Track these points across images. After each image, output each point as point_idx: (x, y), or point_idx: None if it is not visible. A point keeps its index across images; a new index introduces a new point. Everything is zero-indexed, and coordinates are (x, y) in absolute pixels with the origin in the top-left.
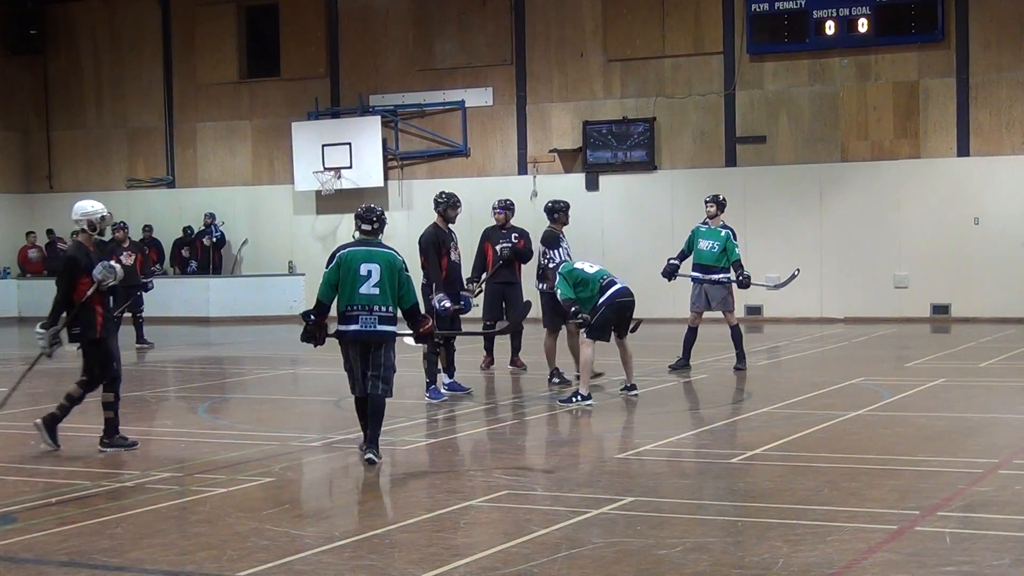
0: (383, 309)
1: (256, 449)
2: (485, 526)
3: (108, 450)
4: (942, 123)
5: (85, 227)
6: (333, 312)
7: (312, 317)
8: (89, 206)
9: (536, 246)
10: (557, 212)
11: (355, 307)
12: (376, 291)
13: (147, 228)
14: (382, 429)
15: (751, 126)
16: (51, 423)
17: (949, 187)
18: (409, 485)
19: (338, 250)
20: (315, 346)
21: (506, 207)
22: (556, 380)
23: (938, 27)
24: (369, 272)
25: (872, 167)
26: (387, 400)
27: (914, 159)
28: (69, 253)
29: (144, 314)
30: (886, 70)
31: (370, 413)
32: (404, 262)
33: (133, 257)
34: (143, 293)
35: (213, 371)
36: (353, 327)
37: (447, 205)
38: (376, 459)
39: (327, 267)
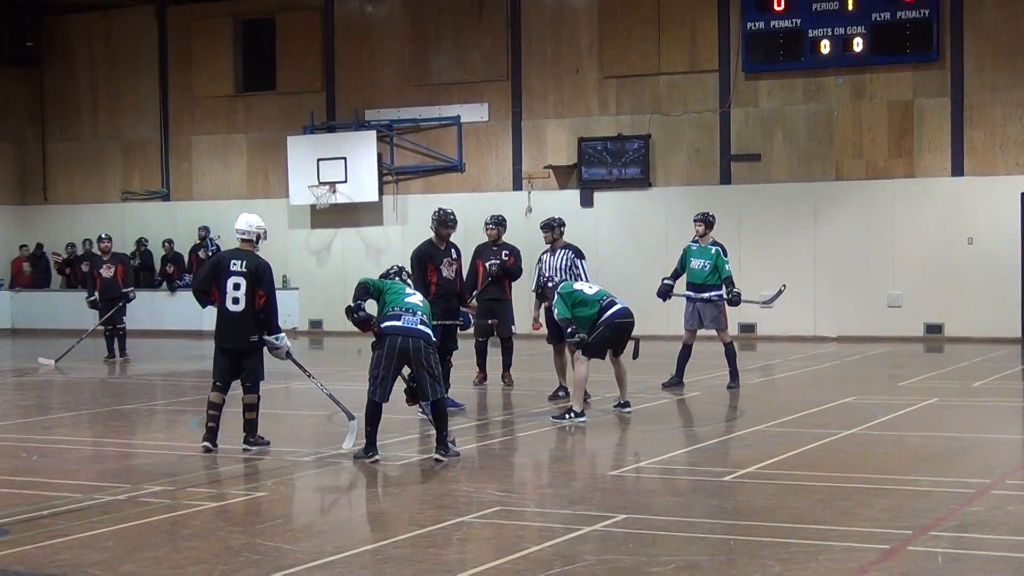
0: (424, 316)
1: (248, 463)
2: (478, 542)
3: (253, 448)
4: (936, 143)
5: (254, 238)
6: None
7: (359, 304)
8: (259, 219)
9: (532, 263)
10: (542, 228)
11: (399, 308)
12: (420, 304)
13: (142, 241)
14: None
15: (746, 144)
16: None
17: (943, 207)
18: (401, 500)
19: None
20: (372, 325)
21: (497, 223)
22: (562, 394)
23: (933, 47)
24: (414, 295)
25: (866, 186)
26: (382, 415)
27: (908, 178)
28: (265, 261)
29: (127, 327)
30: (881, 89)
31: (435, 417)
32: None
33: (113, 269)
34: (125, 304)
35: (205, 385)
36: (396, 323)
37: (437, 223)
38: (443, 458)
39: (379, 279)
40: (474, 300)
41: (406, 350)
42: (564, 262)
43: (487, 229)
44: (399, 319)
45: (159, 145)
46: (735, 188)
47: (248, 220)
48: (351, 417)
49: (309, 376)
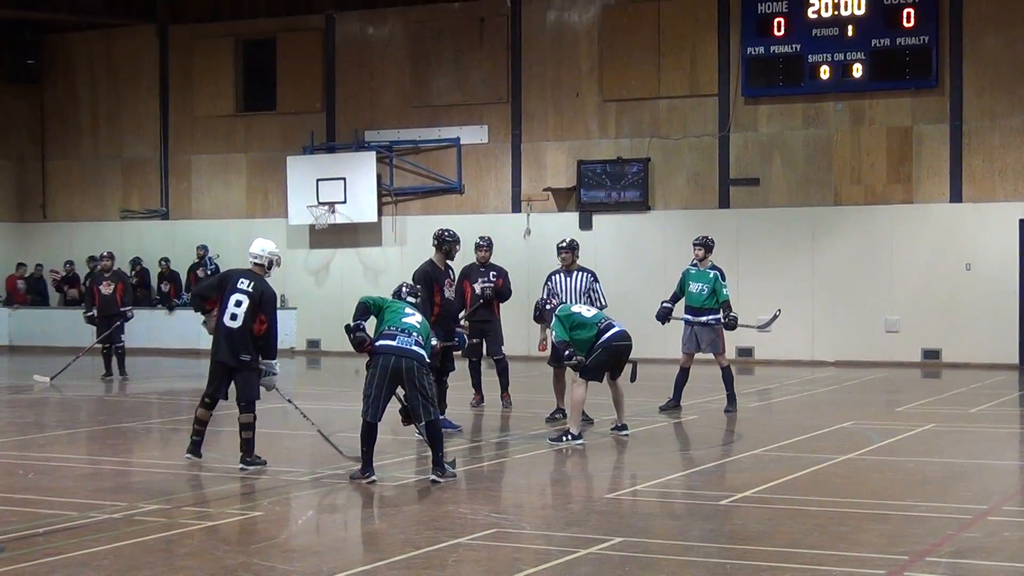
0: (420, 338)
1: (244, 482)
2: (474, 564)
3: (249, 468)
4: (935, 169)
5: (265, 263)
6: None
7: (358, 324)
8: (273, 246)
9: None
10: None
11: (395, 328)
12: (417, 325)
13: (136, 261)
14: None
15: (745, 168)
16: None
17: (941, 233)
18: (398, 521)
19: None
20: (368, 346)
21: (489, 245)
22: (559, 416)
23: (932, 73)
24: (412, 316)
25: (865, 211)
26: (378, 436)
27: (907, 204)
28: (272, 289)
29: (125, 345)
30: (880, 115)
31: (429, 439)
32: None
33: (113, 286)
34: (123, 323)
35: None
36: (390, 342)
37: (453, 241)
38: (440, 479)
39: (378, 297)
40: (465, 321)
41: (399, 370)
42: (583, 284)
43: (478, 251)
44: (394, 338)
45: (159, 164)
46: (734, 212)
47: (262, 245)
48: (342, 454)
49: (296, 408)
